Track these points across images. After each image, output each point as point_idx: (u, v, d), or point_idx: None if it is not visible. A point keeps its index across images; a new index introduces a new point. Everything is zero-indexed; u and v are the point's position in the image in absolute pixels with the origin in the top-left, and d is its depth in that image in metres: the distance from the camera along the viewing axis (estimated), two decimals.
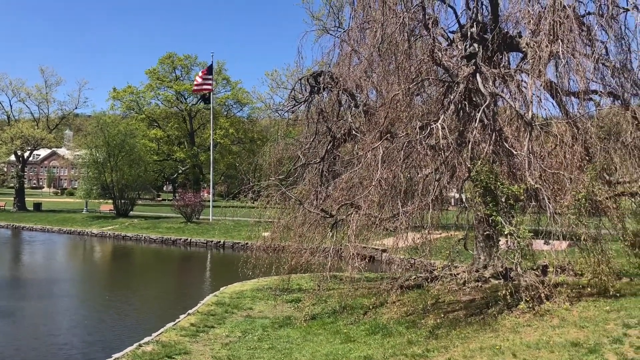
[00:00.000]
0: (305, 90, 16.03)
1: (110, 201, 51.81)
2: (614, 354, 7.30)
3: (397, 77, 13.12)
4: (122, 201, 51.22)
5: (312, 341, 10.80)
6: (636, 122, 14.18)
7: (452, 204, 22.15)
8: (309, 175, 15.74)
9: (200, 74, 48.92)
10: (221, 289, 17.11)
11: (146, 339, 11.39)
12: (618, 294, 10.67)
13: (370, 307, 12.37)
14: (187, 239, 37.66)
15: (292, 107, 16.45)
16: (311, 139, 16.13)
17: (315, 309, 13.15)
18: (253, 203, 16.67)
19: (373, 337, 10.43)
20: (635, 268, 14.32)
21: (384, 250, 24.31)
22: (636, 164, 14.21)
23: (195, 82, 49.09)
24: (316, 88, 15.46)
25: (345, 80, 15.07)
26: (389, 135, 12.66)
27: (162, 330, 12.14)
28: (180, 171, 78.17)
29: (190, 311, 13.92)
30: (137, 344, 11.00)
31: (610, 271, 11.38)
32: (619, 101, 14.67)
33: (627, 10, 14.05)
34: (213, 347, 10.90)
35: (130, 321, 16.06)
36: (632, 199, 15.11)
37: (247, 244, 22.65)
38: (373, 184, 12.11)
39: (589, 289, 11.33)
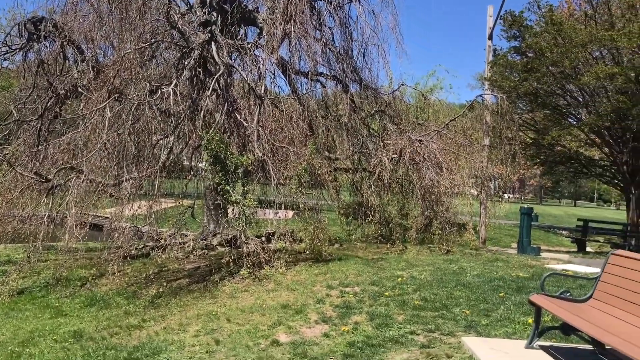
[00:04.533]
0: (24, 37, 14.04)
1: None
2: (316, 313, 8.00)
3: (130, 35, 12.35)
4: None
5: (15, 318, 9.62)
6: (353, 105, 15.82)
7: (193, 172, 22.04)
8: (24, 134, 13.92)
9: None
10: None
11: None
12: (329, 258, 11.80)
13: (90, 278, 11.54)
14: None
15: (5, 55, 14.27)
16: (28, 93, 14.26)
17: (24, 283, 11.78)
18: None
19: (88, 310, 9.73)
20: (346, 235, 16.07)
21: (110, 218, 23.03)
22: (351, 143, 15.90)
23: None
24: (36, 36, 13.64)
25: (72, 31, 13.63)
26: (117, 95, 11.86)
27: None
28: None
29: None
30: None
31: (324, 238, 12.54)
32: (341, 85, 16.17)
33: (352, 1, 15.48)
34: None
35: None
36: (347, 174, 16.91)
37: None
38: (98, 146, 11.26)
39: (305, 254, 12.33)
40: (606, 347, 5.45)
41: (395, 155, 14.42)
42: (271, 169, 11.71)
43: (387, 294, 8.70)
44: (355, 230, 15.78)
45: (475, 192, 15.99)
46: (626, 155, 19.54)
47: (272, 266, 10.85)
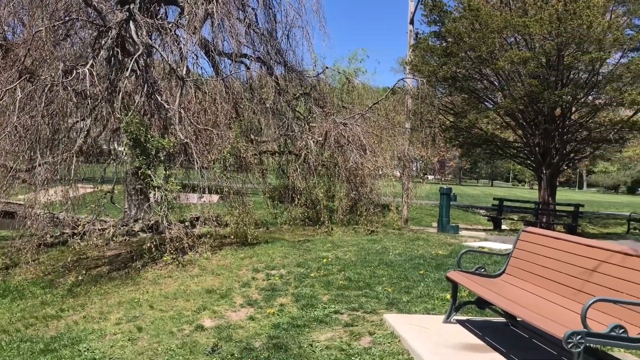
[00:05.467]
0: None
1: None
2: (242, 296, 7.99)
3: (42, 12, 11.67)
4: None
5: None
6: (278, 88, 15.75)
7: (113, 156, 21.24)
8: None
9: None
10: None
11: None
12: (255, 242, 11.77)
13: (1, 268, 10.98)
14: None
15: None
16: None
17: None
18: None
19: (0, 301, 9.27)
20: (273, 218, 16.07)
21: (23, 205, 21.86)
22: (277, 126, 15.85)
23: None
24: None
25: None
26: (29, 75, 11.23)
27: None
28: None
29: None
30: None
31: (250, 221, 12.49)
32: (266, 67, 16.03)
33: None
34: None
35: None
36: (273, 157, 16.88)
37: None
38: (8, 130, 10.65)
39: (230, 239, 12.24)
40: (517, 319, 5.79)
41: (320, 138, 14.52)
42: (194, 152, 11.48)
43: (312, 275, 8.81)
44: (281, 213, 15.81)
45: (398, 174, 16.41)
46: (538, 137, 20.64)
47: (197, 251, 10.71)
